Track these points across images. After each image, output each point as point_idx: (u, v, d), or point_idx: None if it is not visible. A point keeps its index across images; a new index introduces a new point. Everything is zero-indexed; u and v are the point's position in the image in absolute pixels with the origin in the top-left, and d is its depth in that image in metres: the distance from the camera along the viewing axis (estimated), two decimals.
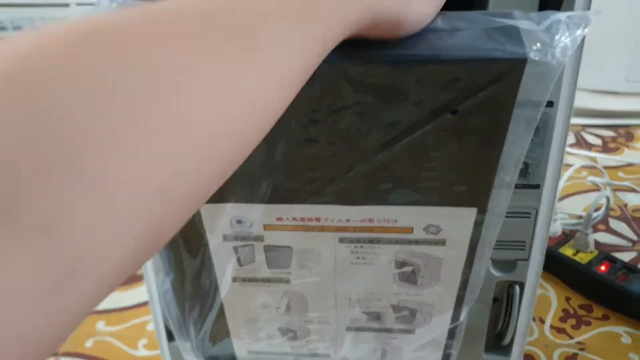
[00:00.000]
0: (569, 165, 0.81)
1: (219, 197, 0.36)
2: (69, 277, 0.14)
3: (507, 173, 0.33)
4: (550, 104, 0.33)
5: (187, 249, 0.40)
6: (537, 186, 0.37)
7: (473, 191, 0.33)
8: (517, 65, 0.27)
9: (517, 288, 0.40)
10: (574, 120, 1.01)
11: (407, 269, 0.39)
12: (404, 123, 0.30)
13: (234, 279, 0.41)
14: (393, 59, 0.27)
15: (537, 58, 0.26)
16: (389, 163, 0.32)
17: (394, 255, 0.38)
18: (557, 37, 0.26)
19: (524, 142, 0.31)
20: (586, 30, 0.26)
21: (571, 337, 0.59)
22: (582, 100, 0.99)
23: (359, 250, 0.39)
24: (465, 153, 0.31)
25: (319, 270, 0.40)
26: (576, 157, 0.91)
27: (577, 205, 0.79)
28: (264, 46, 0.18)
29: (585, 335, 0.60)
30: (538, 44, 0.26)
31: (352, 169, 0.33)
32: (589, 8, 0.31)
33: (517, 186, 0.36)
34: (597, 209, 0.71)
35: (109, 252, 0.15)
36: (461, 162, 0.32)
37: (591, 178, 0.84)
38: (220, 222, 0.38)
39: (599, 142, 0.97)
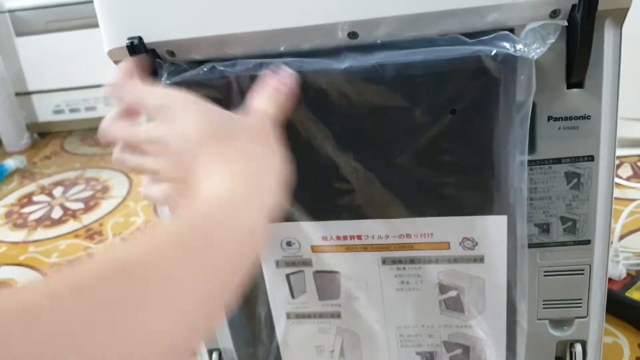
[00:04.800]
0: (630, 200, 0.78)
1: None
2: None
3: (515, 175, 0.34)
4: (591, 158, 0.34)
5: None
6: (588, 242, 0.36)
7: (493, 196, 0.35)
8: (505, 61, 0.30)
9: (579, 347, 0.39)
10: (630, 152, 0.95)
11: (452, 293, 0.38)
12: (412, 126, 0.33)
13: (288, 316, 0.43)
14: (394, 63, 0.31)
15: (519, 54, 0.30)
16: (408, 169, 0.35)
17: (437, 277, 0.37)
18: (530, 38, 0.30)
19: (522, 142, 0.33)
20: (555, 36, 0.30)
21: None
22: (637, 131, 0.96)
23: (402, 273, 0.38)
24: (473, 155, 0.34)
25: (367, 300, 0.41)
26: (636, 191, 0.86)
27: None
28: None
29: None
30: (520, 45, 0.31)
31: (377, 178, 0.35)
32: (618, 78, 0.32)
33: (567, 243, 0.36)
34: None
35: None
36: (472, 166, 0.34)
37: None
38: (272, 246, 0.39)
39: None
